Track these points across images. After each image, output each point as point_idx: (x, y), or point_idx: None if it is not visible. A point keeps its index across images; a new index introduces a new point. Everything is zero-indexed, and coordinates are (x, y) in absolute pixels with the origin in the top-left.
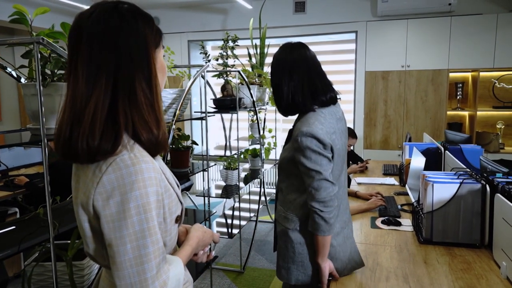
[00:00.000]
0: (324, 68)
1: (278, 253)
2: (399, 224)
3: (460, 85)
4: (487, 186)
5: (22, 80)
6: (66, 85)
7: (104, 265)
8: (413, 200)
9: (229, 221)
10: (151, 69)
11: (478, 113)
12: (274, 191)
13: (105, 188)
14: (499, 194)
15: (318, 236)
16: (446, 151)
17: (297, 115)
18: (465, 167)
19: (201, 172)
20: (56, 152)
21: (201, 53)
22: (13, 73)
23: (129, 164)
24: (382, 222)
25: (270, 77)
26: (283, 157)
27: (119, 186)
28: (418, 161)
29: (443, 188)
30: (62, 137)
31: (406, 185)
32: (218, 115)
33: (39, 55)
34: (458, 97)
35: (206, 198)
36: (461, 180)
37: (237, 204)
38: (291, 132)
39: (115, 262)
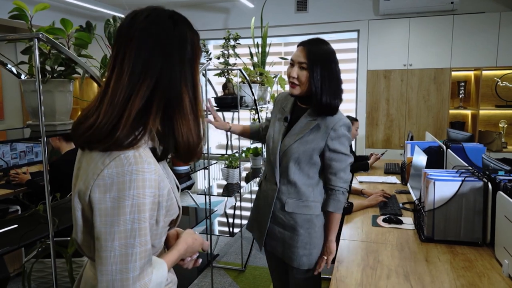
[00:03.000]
0: None
1: (297, 243)
2: (401, 222)
3: (463, 83)
4: (489, 183)
5: (22, 76)
6: (107, 74)
7: (89, 257)
8: (414, 199)
9: (230, 219)
10: (195, 80)
11: (481, 112)
12: None
13: (105, 182)
14: (501, 192)
15: (337, 214)
16: (448, 150)
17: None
18: (467, 165)
19: (202, 171)
20: (74, 134)
21: (202, 51)
22: (13, 69)
23: (132, 162)
24: (384, 220)
25: (327, 70)
26: (306, 148)
27: (119, 182)
28: (420, 160)
29: (444, 186)
30: (96, 123)
31: (408, 184)
32: (219, 114)
33: (38, 51)
34: (460, 96)
35: (207, 197)
36: (463, 178)
37: (238, 203)
38: (311, 124)
39: (101, 256)
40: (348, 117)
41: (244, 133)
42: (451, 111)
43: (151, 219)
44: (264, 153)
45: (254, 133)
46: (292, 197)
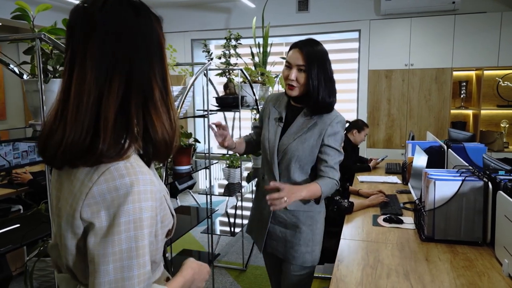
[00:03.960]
0: None
1: (300, 241)
2: (401, 222)
3: (464, 83)
4: (490, 183)
5: (25, 76)
6: (64, 79)
7: (85, 284)
8: (415, 198)
9: (232, 219)
10: (165, 69)
11: (482, 112)
12: None
13: (95, 200)
14: (501, 192)
15: (319, 188)
16: (449, 150)
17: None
18: (467, 164)
19: (204, 170)
20: (45, 156)
21: (203, 51)
22: (16, 69)
23: (124, 174)
24: (384, 220)
25: (319, 71)
26: (305, 146)
27: (112, 198)
28: (420, 160)
29: (445, 186)
30: (64, 137)
31: (409, 183)
32: (220, 114)
33: (40, 51)
34: (462, 96)
35: (209, 196)
36: (463, 178)
37: (239, 203)
38: (308, 123)
39: (94, 283)
40: (358, 121)
41: (247, 147)
42: (452, 111)
43: (150, 236)
44: None
45: (252, 144)
46: None
